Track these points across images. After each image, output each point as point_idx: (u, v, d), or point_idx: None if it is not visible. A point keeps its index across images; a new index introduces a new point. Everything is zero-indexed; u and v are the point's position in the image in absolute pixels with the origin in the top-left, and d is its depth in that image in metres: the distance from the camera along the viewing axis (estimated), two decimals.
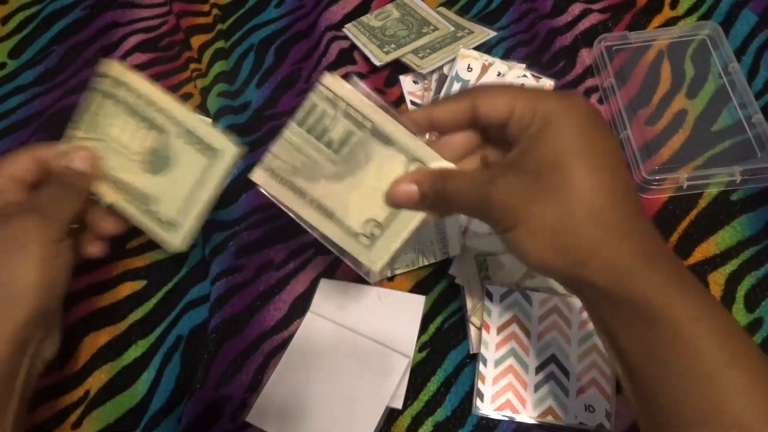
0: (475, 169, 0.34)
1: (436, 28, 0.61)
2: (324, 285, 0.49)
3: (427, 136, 0.35)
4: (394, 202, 0.34)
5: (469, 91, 0.33)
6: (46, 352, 0.35)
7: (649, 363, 0.28)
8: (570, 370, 0.43)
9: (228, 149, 0.37)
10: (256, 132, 0.58)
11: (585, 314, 0.44)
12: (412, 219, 0.35)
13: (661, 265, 0.29)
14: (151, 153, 0.38)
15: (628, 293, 0.28)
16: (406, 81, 0.60)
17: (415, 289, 0.49)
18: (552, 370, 0.43)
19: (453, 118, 0.33)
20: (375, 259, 0.35)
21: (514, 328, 0.44)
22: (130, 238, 0.53)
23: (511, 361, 0.43)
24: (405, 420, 0.44)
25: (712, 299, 0.29)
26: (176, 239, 0.38)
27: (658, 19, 0.62)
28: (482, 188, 0.31)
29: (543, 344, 0.44)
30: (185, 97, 0.62)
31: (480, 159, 0.35)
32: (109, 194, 0.39)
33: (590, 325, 0.43)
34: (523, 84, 0.53)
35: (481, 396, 0.43)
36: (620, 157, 0.31)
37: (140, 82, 0.38)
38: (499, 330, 0.44)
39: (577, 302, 0.44)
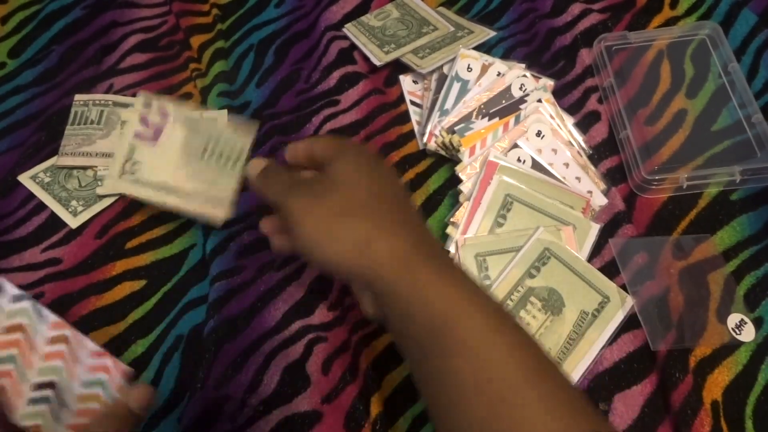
0: (289, 173, 0.40)
1: (435, 28, 0.61)
2: None
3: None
4: (246, 172, 0.42)
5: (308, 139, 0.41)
6: None
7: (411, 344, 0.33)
8: (69, 405, 0.36)
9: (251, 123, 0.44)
10: (256, 132, 0.58)
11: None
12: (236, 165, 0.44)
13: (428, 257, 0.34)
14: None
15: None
16: (405, 81, 0.60)
17: None
18: (49, 395, 0.36)
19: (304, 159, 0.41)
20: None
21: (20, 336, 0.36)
22: (130, 238, 0.53)
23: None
24: (405, 421, 0.44)
25: (469, 284, 0.34)
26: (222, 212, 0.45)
27: (657, 19, 0.62)
28: (286, 188, 0.38)
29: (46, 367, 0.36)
30: (185, 97, 0.62)
31: None
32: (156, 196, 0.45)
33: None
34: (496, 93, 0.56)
35: None
36: (388, 173, 0.39)
37: None
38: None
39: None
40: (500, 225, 0.48)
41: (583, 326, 0.44)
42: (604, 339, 0.44)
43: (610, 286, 0.46)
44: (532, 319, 0.44)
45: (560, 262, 0.45)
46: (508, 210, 0.49)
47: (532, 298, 0.44)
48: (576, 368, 0.43)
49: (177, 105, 0.47)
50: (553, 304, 0.44)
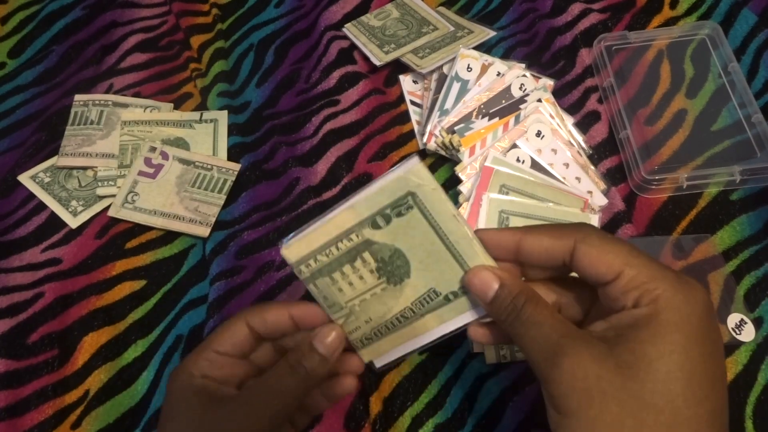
0: (559, 316, 0.28)
1: (435, 28, 0.61)
2: None
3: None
4: (467, 281, 0.29)
5: (572, 231, 0.28)
6: None
7: None
8: None
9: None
10: (255, 132, 0.59)
11: None
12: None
13: None
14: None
15: None
16: (405, 81, 0.60)
17: None
18: None
19: (546, 257, 0.29)
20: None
21: None
22: (130, 238, 0.53)
23: None
24: (405, 420, 0.44)
25: None
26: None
27: (657, 19, 0.62)
28: (555, 347, 0.26)
29: None
30: (185, 97, 0.62)
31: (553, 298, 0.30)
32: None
33: None
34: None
35: None
36: (724, 384, 0.26)
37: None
38: None
39: None
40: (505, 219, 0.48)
41: (424, 308, 0.31)
42: (444, 331, 0.32)
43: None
44: (357, 279, 0.31)
45: (424, 216, 0.30)
46: (506, 225, 0.48)
47: (366, 254, 0.31)
48: (390, 351, 0.33)
49: (176, 150, 0.55)
50: (392, 270, 0.31)
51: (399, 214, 0.30)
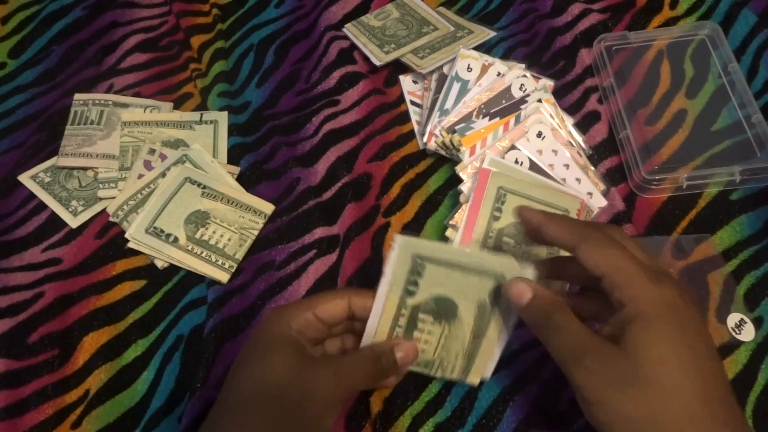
0: (581, 323, 0.33)
1: (435, 28, 0.61)
2: None
3: None
4: (505, 291, 0.36)
5: (582, 229, 0.33)
6: None
7: None
8: None
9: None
10: (256, 132, 0.59)
11: None
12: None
13: None
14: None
15: None
16: (405, 81, 0.60)
17: None
18: None
19: (559, 244, 0.34)
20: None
21: None
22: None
23: None
24: (405, 420, 0.44)
25: None
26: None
27: (657, 19, 0.62)
28: (579, 350, 0.31)
29: None
30: (185, 97, 0.62)
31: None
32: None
33: None
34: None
35: None
36: (716, 358, 0.31)
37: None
38: None
39: None
40: (497, 219, 0.48)
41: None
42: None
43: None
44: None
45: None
46: (503, 203, 0.48)
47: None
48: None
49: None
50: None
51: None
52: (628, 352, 0.29)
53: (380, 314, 0.38)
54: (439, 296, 0.38)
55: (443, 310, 0.38)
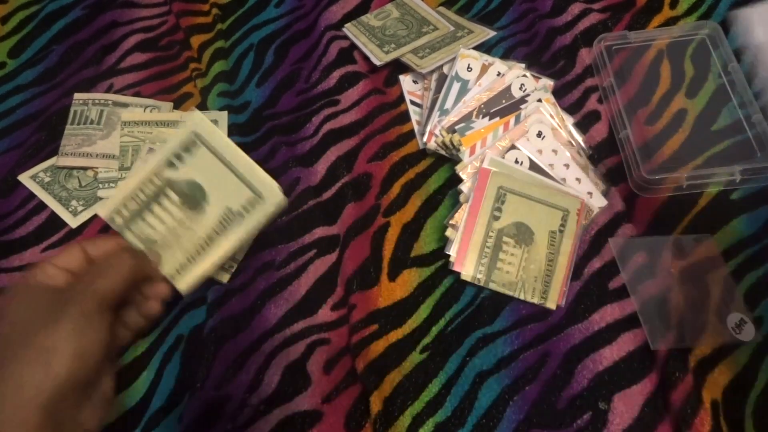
0: None
1: (435, 28, 0.61)
2: None
3: None
4: None
5: None
6: (87, 423, 0.35)
7: None
8: None
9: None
10: (255, 132, 0.59)
11: None
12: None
13: None
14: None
15: None
16: (405, 81, 0.60)
17: (418, 290, 0.49)
18: None
19: None
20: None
21: None
22: None
23: None
24: (405, 420, 0.44)
25: None
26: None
27: (657, 19, 0.62)
28: None
29: None
30: (185, 97, 0.62)
31: None
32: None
33: None
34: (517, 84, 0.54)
35: None
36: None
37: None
38: None
39: None
40: (497, 219, 0.48)
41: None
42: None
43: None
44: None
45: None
46: (503, 202, 0.49)
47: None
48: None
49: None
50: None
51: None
52: None
53: (129, 175, 0.39)
54: (194, 182, 0.38)
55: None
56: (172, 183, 0.38)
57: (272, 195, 0.38)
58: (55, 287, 0.35)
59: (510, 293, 0.46)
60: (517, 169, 0.51)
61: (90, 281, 0.34)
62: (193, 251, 0.38)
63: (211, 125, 0.37)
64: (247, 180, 0.38)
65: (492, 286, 0.47)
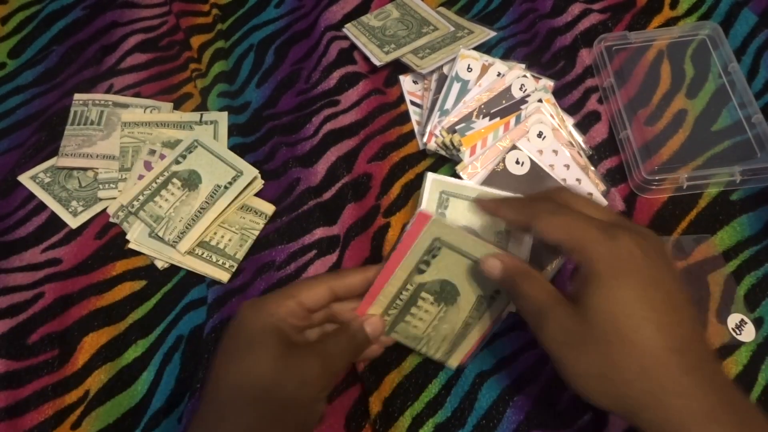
0: (545, 287, 0.34)
1: (435, 28, 0.61)
2: None
3: None
4: (481, 266, 0.37)
5: (530, 207, 0.35)
6: None
7: None
8: None
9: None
10: (256, 132, 0.59)
11: None
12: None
13: (720, 425, 0.28)
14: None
15: None
16: (405, 81, 0.60)
17: None
18: None
19: (515, 225, 0.38)
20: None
21: None
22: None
23: None
24: (405, 420, 0.44)
25: None
26: None
27: (658, 19, 0.62)
28: (540, 312, 0.33)
29: None
30: (185, 98, 0.62)
31: None
32: None
33: None
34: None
35: None
36: (680, 308, 0.31)
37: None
38: None
39: None
40: (421, 272, 0.39)
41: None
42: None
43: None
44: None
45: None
46: (434, 256, 0.39)
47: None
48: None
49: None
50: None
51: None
52: (582, 313, 0.31)
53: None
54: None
55: (446, 294, 0.40)
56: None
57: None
58: (289, 336, 0.35)
59: (411, 346, 0.41)
60: (519, 168, 0.51)
61: (334, 353, 0.36)
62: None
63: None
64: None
65: (393, 335, 0.41)
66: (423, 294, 0.40)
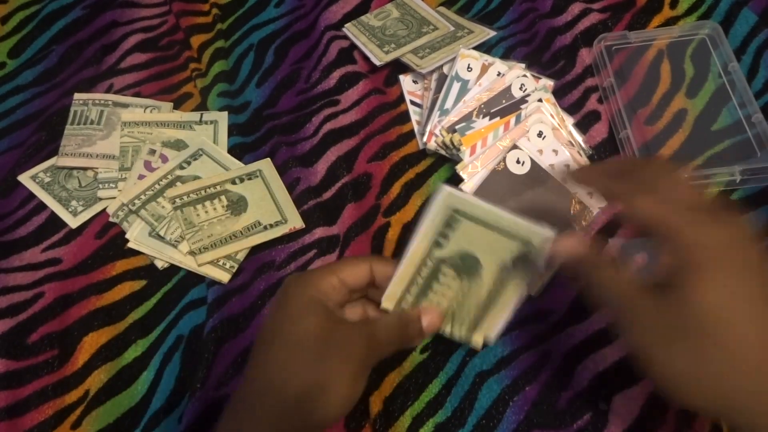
0: (624, 277, 0.31)
1: (435, 28, 0.61)
2: None
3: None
4: (555, 250, 0.34)
5: (615, 184, 0.34)
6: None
7: None
8: None
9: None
10: (255, 132, 0.59)
11: None
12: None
13: None
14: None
15: None
16: (405, 81, 0.60)
17: None
18: None
19: (608, 195, 0.35)
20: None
21: None
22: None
23: None
24: (405, 420, 0.44)
25: None
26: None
27: (657, 19, 0.62)
28: (623, 305, 0.30)
29: None
30: (185, 97, 0.62)
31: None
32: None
33: None
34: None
35: None
36: None
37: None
38: None
39: None
40: (439, 246, 0.38)
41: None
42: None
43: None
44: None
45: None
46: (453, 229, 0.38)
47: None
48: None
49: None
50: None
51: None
52: (679, 305, 0.28)
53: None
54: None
55: (467, 266, 0.38)
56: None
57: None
58: (333, 311, 0.35)
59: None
60: (519, 168, 0.50)
61: (383, 336, 0.36)
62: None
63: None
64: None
65: None
66: (443, 269, 0.38)
